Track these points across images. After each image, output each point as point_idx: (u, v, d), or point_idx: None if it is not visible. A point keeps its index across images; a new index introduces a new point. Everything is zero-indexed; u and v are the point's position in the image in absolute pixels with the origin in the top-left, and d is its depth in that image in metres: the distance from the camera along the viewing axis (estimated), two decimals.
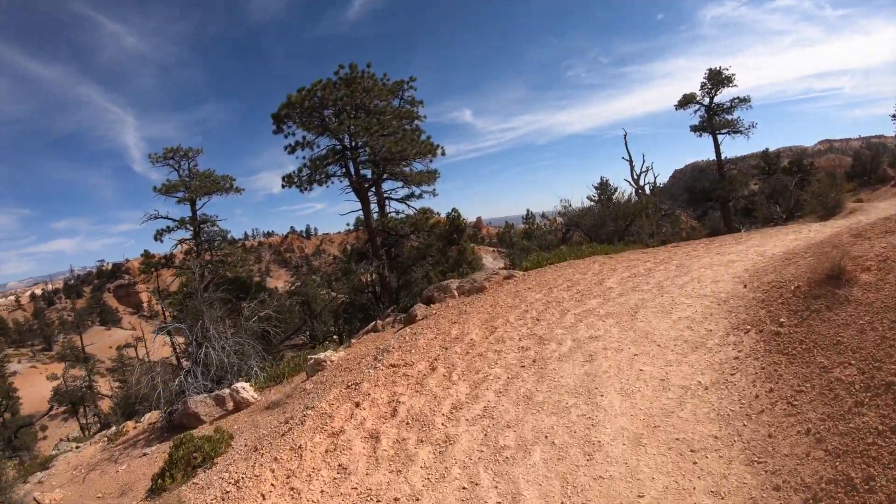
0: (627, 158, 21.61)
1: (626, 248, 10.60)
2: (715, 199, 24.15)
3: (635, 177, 21.12)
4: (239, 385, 7.88)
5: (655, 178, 22.71)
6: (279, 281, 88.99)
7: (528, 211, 22.89)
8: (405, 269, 18.07)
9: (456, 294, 9.21)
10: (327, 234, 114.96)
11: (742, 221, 25.27)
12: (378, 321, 10.15)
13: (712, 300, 5.44)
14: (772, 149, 33.42)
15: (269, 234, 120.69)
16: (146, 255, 27.66)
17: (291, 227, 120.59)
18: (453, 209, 16.88)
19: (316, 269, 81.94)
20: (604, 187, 19.77)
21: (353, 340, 9.58)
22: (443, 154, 16.85)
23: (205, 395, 8.11)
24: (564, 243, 14.31)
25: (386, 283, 17.91)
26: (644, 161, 23.65)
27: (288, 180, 19.51)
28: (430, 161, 17.04)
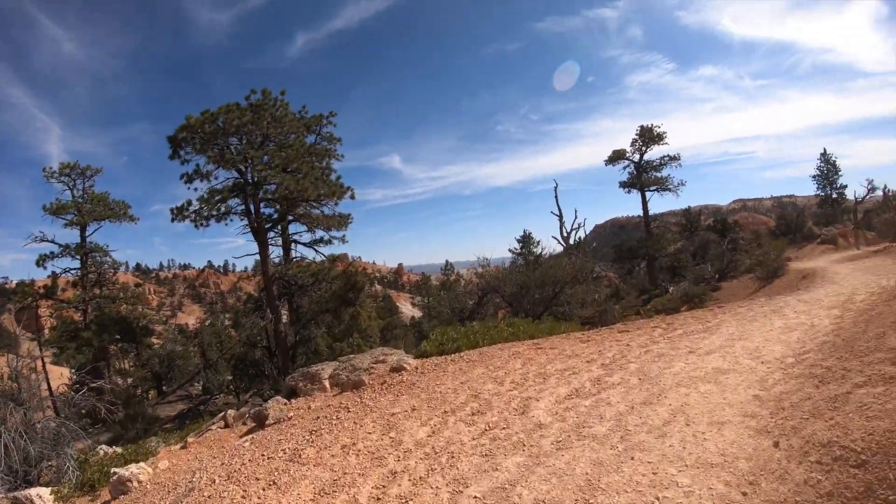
0: (557, 213, 20.93)
1: (557, 328, 9.00)
2: (641, 257, 24.03)
3: (565, 234, 20.40)
4: (34, 492, 6.23)
5: (585, 235, 22.27)
6: (191, 317, 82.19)
7: (446, 262, 21.61)
8: (305, 324, 15.82)
9: (327, 386, 7.59)
10: (245, 270, 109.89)
11: (667, 280, 25.32)
12: (229, 412, 8.30)
13: (728, 481, 2.89)
14: (690, 207, 34.90)
15: (185, 267, 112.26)
16: (22, 284, 23.51)
17: (209, 262, 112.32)
18: (350, 264, 15.00)
19: (230, 307, 76.02)
20: (526, 241, 18.82)
21: (190, 439, 7.67)
22: (352, 198, 15.17)
23: (3, 495, 6.51)
24: (480, 309, 12.80)
25: (280, 339, 15.53)
26: (576, 216, 23.20)
27: (178, 213, 16.94)
28: (337, 204, 15.25)
